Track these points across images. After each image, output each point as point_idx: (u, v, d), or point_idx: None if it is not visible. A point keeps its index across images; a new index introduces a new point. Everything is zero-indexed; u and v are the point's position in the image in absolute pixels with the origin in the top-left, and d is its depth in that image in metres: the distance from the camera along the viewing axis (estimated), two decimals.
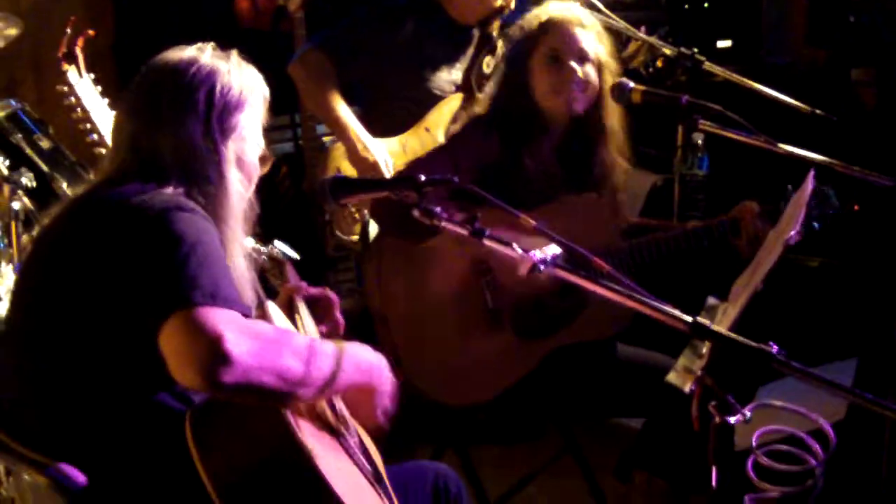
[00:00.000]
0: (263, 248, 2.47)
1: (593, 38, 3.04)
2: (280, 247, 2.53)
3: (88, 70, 3.15)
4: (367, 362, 2.04)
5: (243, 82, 2.12)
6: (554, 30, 3.02)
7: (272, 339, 1.84)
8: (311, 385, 1.86)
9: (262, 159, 2.19)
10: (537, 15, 3.08)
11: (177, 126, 2.03)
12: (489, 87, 3.28)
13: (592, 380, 2.94)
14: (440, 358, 2.86)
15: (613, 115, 3.09)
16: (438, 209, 2.04)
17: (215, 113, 2.06)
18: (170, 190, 1.98)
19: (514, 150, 2.99)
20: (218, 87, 2.07)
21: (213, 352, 1.73)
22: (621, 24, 3.34)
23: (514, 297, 2.91)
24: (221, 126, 2.07)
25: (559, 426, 3.25)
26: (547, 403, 3.01)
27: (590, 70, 3.01)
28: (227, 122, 2.08)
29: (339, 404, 2.17)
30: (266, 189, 2.28)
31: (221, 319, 1.77)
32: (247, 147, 2.13)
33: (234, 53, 2.16)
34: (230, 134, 2.08)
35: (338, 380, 1.92)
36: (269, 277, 2.49)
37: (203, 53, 2.11)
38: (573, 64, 2.98)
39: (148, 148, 2.04)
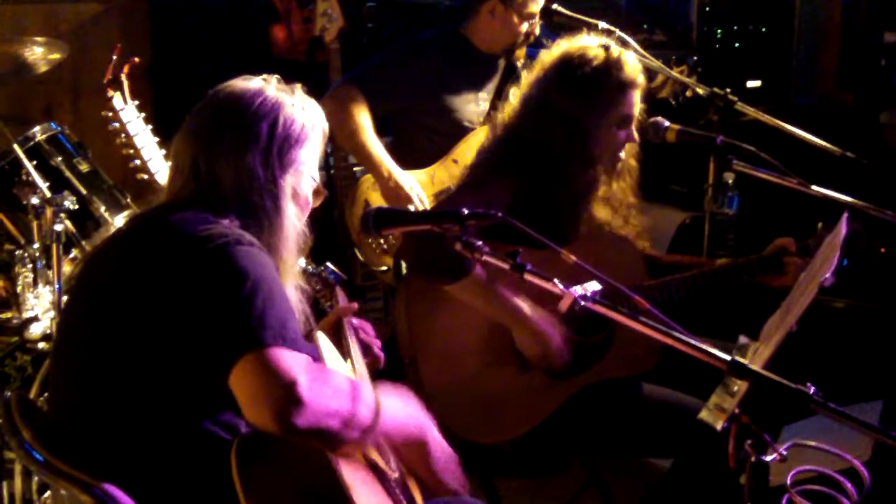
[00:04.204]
0: (313, 270, 2.47)
1: None
2: (331, 268, 2.53)
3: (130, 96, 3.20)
4: (405, 411, 2.05)
5: (306, 117, 2.13)
6: (629, 93, 2.91)
7: (336, 384, 1.86)
8: (360, 429, 1.87)
9: (316, 193, 2.20)
10: (622, 64, 2.90)
11: (238, 155, 2.04)
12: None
13: (617, 418, 2.93)
14: (470, 397, 2.85)
15: None
16: (480, 242, 2.07)
17: (276, 146, 2.07)
18: (226, 221, 1.99)
19: (548, 187, 2.94)
20: (281, 121, 2.08)
21: (287, 396, 1.74)
22: (656, 63, 3.37)
23: None
24: (281, 159, 2.08)
25: (584, 461, 3.26)
26: (572, 440, 3.01)
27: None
28: (287, 156, 2.09)
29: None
30: None
31: (293, 362, 1.79)
32: (303, 181, 2.14)
33: (299, 88, 2.17)
34: (289, 168, 2.09)
35: (380, 424, 1.91)
36: (319, 300, 2.49)
37: (269, 85, 2.13)
38: (634, 129, 2.97)
39: (207, 174, 2.05)
